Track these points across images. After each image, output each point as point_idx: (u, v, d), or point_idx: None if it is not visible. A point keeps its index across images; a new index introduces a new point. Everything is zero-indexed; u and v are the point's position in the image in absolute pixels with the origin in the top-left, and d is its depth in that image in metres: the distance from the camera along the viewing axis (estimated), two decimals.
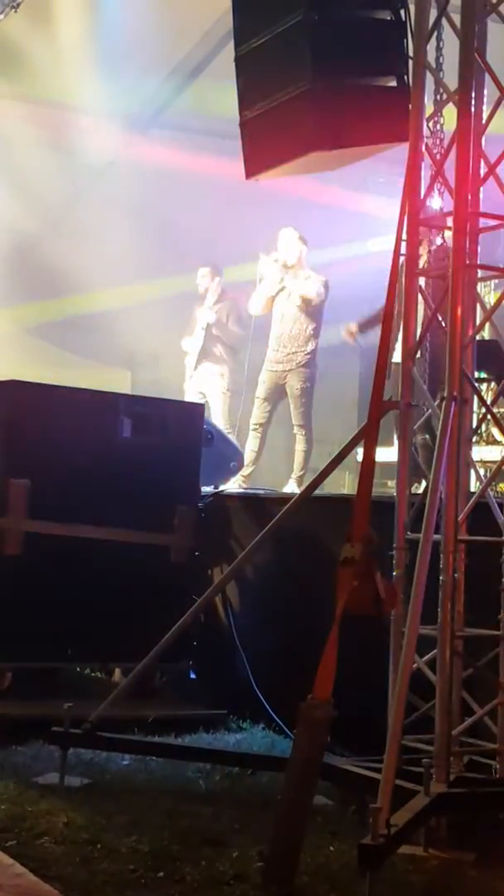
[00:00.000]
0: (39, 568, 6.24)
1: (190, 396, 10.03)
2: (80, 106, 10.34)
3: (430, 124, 5.07)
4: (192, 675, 6.79)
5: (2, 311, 12.66)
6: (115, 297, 12.54)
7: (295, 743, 3.93)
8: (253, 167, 5.55)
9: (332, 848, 4.19)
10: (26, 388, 6.51)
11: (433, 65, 5.04)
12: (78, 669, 7.12)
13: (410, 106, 4.98)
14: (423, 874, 4.07)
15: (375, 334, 8.33)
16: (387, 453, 5.90)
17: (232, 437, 8.86)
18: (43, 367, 11.39)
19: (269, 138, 5.42)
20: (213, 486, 7.54)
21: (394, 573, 4.79)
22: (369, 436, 4.48)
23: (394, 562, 4.82)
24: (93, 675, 7.14)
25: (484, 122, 5.03)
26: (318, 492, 5.47)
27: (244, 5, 5.55)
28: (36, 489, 6.29)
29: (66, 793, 4.82)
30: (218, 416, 9.78)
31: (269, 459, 9.06)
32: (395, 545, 4.86)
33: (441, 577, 4.52)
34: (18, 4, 9.36)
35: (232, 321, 10.18)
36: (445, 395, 4.65)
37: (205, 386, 10.15)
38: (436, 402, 4.80)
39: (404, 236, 4.94)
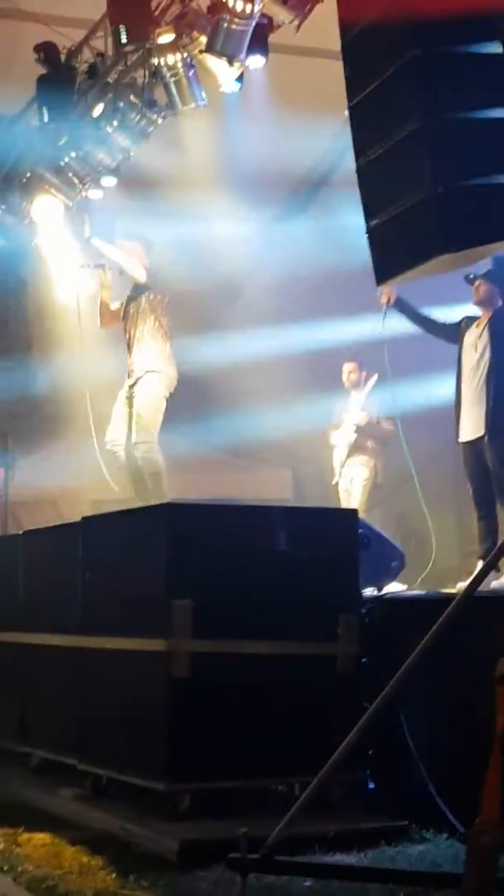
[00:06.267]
0: (207, 687, 6.27)
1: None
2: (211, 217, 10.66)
3: None
4: (371, 785, 6.68)
5: None
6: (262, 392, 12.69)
7: (465, 872, 3.81)
8: (382, 274, 5.61)
9: None
10: (184, 509, 6.65)
11: None
12: None
13: None
14: None
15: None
16: None
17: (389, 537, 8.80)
18: (207, 474, 11.53)
19: (395, 244, 5.48)
20: (375, 590, 7.48)
21: None
22: None
23: None
24: (273, 788, 7.08)
25: None
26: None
27: (359, 119, 5.65)
28: (198, 608, 6.35)
29: None
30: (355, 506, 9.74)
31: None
32: None
33: None
34: (149, 134, 9.72)
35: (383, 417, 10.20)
36: None
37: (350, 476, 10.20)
38: None
39: None
